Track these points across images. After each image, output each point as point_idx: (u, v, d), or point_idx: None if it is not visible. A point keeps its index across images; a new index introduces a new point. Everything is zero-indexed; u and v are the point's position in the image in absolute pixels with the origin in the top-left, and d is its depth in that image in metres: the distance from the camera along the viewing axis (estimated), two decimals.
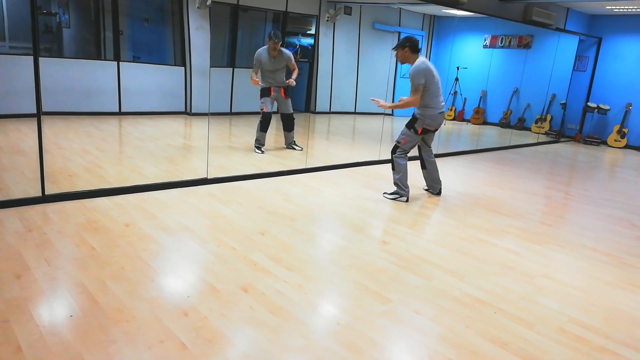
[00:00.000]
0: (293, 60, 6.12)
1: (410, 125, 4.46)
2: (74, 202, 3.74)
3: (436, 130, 4.57)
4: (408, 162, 4.57)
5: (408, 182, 4.56)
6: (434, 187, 4.86)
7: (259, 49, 6.00)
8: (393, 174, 4.56)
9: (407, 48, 4.26)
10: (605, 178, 6.72)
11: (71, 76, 7.39)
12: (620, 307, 2.78)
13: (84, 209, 3.62)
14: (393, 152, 4.55)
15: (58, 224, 3.32)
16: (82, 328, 2.16)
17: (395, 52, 4.35)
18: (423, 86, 4.23)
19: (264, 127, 6.03)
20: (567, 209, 4.97)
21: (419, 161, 4.88)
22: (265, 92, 6.05)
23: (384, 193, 4.68)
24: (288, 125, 6.32)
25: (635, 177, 6.91)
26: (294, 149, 6.43)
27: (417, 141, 4.54)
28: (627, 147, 9.43)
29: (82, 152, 5.31)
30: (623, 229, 4.28)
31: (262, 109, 6.04)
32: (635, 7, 8.33)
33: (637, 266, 3.42)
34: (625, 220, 4.55)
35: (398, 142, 4.52)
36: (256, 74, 6.00)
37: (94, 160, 5.01)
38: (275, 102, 6.19)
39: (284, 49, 6.07)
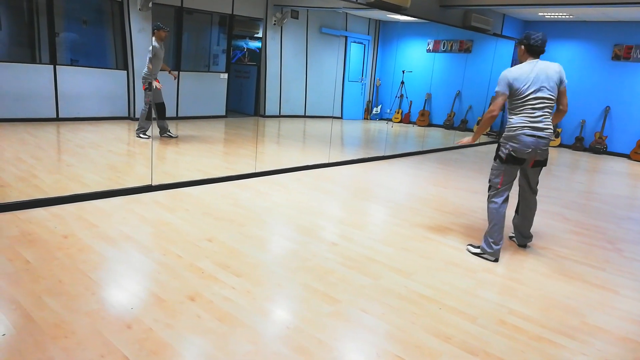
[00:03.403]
0: None
1: (495, 155, 3.46)
2: (6, 214, 3.53)
3: (536, 162, 3.42)
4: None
5: (501, 238, 3.43)
6: (520, 239, 3.79)
7: (153, 44, 6.44)
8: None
9: (523, 47, 3.38)
10: (540, 175, 7.07)
11: (3, 80, 6.97)
12: (555, 297, 2.94)
13: (17, 221, 3.42)
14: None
15: None
16: (16, 346, 2.04)
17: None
18: (502, 94, 3.31)
19: (149, 116, 6.59)
20: None
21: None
22: (152, 86, 6.51)
23: (469, 245, 3.66)
24: (163, 113, 6.80)
25: (568, 173, 7.35)
26: (171, 136, 6.92)
27: (509, 175, 3.42)
28: (560, 145, 10.01)
29: (15, 160, 5.02)
30: (557, 223, 4.53)
31: (147, 101, 6.58)
32: (564, 14, 8.87)
33: (570, 258, 3.64)
34: (559, 215, 4.82)
35: (489, 179, 3.53)
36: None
37: (29, 169, 4.75)
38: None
39: None
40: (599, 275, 3.35)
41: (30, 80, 7.27)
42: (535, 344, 2.40)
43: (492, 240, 3.41)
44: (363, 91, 11.87)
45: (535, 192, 3.64)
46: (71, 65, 8.08)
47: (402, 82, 10.98)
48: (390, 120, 11.35)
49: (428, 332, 2.41)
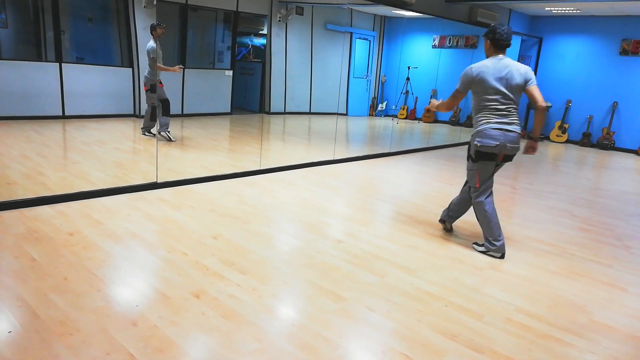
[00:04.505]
0: None
1: (467, 155, 3.50)
2: (13, 212, 3.54)
3: (506, 157, 3.37)
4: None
5: (500, 232, 3.41)
6: (445, 214, 3.83)
7: (150, 44, 6.32)
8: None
9: (489, 41, 3.30)
10: (548, 172, 7.04)
11: (9, 78, 7.00)
12: (562, 295, 2.91)
13: (23, 219, 3.43)
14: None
15: None
16: (22, 344, 2.05)
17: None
18: (461, 94, 3.37)
19: (154, 116, 6.55)
20: (512, 202, 5.17)
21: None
22: (154, 87, 6.46)
23: (474, 243, 3.60)
24: (167, 109, 6.70)
25: (575, 170, 7.29)
26: (169, 138, 6.59)
27: (484, 173, 3.38)
28: (567, 141, 9.93)
29: (21, 158, 5.04)
30: (564, 220, 4.50)
31: (149, 102, 6.59)
32: (572, 8, 8.78)
33: (578, 255, 3.61)
34: (566, 212, 4.78)
35: (467, 181, 3.56)
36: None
37: (35, 166, 4.77)
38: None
39: None
40: (607, 272, 3.32)
41: (36, 78, 7.30)
42: (542, 342, 2.37)
43: (491, 239, 3.41)
44: (368, 87, 11.82)
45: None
46: (77, 63, 8.10)
47: (408, 78, 10.93)
48: (396, 116, 11.30)
49: (434, 329, 2.40)
